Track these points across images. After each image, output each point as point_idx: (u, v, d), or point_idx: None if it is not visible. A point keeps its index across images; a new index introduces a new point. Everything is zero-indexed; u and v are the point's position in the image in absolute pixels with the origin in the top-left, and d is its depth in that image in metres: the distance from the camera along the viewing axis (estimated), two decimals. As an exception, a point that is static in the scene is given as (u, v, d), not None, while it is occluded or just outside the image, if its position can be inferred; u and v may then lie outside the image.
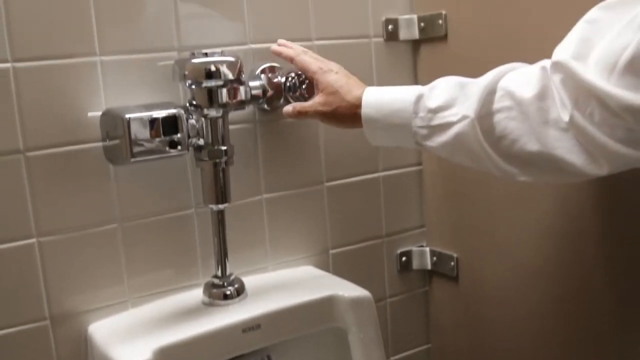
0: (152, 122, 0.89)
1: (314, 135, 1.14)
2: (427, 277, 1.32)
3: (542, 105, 0.77)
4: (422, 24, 1.19)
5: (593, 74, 0.70)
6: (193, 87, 0.93)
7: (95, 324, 0.97)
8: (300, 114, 0.98)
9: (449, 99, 0.85)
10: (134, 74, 0.97)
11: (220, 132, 0.95)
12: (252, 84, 1.00)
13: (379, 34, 1.19)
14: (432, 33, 1.18)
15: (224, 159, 0.96)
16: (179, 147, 0.91)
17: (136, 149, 0.88)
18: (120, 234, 0.98)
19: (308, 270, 1.16)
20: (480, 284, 1.21)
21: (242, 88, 0.95)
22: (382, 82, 1.13)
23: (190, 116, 0.93)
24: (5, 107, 0.89)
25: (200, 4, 1.01)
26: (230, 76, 0.93)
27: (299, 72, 1.02)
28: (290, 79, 1.02)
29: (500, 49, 1.05)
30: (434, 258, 1.28)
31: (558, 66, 0.74)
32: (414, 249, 1.30)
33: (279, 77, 1.03)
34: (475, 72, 0.87)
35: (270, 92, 1.02)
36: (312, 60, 0.99)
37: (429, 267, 1.30)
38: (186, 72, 0.92)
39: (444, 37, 1.16)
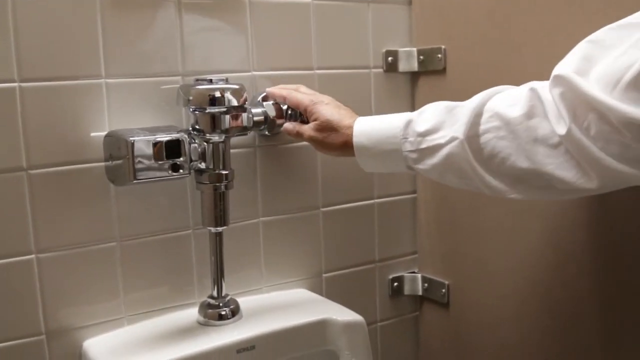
0: (156, 145, 0.91)
1: (311, 161, 1.16)
2: (418, 303, 1.34)
3: (530, 124, 0.78)
4: (421, 57, 1.22)
5: (595, 87, 0.69)
6: (197, 112, 0.95)
7: (90, 340, 0.98)
8: (297, 134, 1.01)
9: (437, 122, 0.87)
10: (138, 97, 0.99)
11: (221, 157, 0.97)
12: (254, 110, 1.02)
13: (378, 65, 1.22)
14: (430, 66, 1.21)
15: (224, 183, 0.98)
16: (181, 171, 0.93)
17: (139, 171, 0.90)
18: (119, 252, 1.00)
19: (302, 293, 1.17)
20: (470, 311, 1.23)
21: (244, 115, 0.98)
22: (380, 112, 1.12)
23: (193, 140, 0.95)
24: (10, 125, 0.91)
25: (205, 30, 1.04)
26: (234, 103, 0.95)
27: None
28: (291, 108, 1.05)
29: (495, 83, 1.07)
30: (425, 284, 1.30)
31: (559, 80, 0.74)
32: (406, 274, 1.31)
33: (281, 105, 1.05)
34: None
35: (272, 119, 1.04)
36: (303, 96, 1.02)
37: (420, 292, 1.32)
38: (190, 98, 0.95)
39: (443, 71, 1.19)
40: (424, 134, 0.88)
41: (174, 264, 1.05)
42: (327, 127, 0.97)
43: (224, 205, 0.99)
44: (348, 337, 1.03)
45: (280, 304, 1.10)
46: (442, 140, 0.86)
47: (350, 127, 0.95)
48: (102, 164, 0.97)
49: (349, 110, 1.01)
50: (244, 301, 1.06)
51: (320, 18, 1.14)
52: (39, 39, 0.91)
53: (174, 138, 0.92)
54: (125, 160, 0.90)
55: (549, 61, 0.97)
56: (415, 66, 1.23)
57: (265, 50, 1.09)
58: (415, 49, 1.23)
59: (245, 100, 0.97)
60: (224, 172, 0.98)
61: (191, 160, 0.95)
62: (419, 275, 1.31)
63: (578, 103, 0.72)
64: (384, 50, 1.22)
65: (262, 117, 1.03)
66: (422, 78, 1.24)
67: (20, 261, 0.93)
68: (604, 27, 0.74)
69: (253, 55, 1.08)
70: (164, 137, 0.92)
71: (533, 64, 1.03)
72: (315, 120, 0.99)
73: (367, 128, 0.95)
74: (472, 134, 0.83)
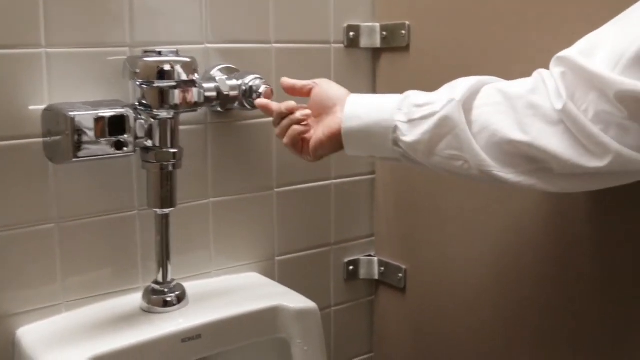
0: (98, 120, 0.85)
1: (266, 140, 1.11)
2: (374, 287, 1.31)
3: (533, 99, 0.75)
4: (384, 33, 1.18)
5: (598, 66, 0.69)
6: (144, 86, 0.89)
7: (24, 328, 0.92)
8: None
9: (436, 94, 0.83)
10: (82, 68, 0.92)
11: (169, 134, 0.92)
12: (206, 85, 0.96)
13: (339, 40, 1.17)
14: (394, 43, 1.16)
15: (172, 162, 0.92)
16: (125, 149, 0.87)
17: (79, 148, 0.84)
18: (57, 234, 0.94)
19: (253, 278, 1.13)
20: (427, 297, 1.21)
21: (195, 90, 0.92)
22: (340, 89, 1.10)
23: (139, 116, 0.90)
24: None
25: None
26: (184, 77, 0.89)
27: (258, 76, 0.99)
28: (247, 82, 0.98)
29: (462, 63, 1.05)
30: (382, 268, 1.27)
31: (561, 60, 0.73)
32: (362, 258, 1.28)
33: (235, 80, 0.99)
34: (435, 84, 0.86)
35: (224, 95, 0.98)
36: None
37: (376, 277, 1.29)
38: (137, 71, 0.88)
39: (406, 48, 1.15)
40: (420, 105, 0.83)
41: (117, 246, 1.00)
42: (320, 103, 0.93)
43: (171, 186, 0.93)
44: (300, 324, 0.99)
45: (229, 289, 1.06)
46: (437, 107, 0.81)
47: (342, 101, 0.90)
48: (40, 139, 0.90)
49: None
50: (191, 286, 1.01)
51: (280, -11, 1.09)
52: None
53: (119, 113, 0.86)
54: (65, 137, 0.84)
55: (520, 41, 0.97)
56: (377, 42, 1.19)
57: (219, 21, 1.04)
58: (378, 24, 1.18)
59: (195, 73, 0.91)
60: (172, 150, 0.92)
61: (137, 138, 0.89)
62: (376, 259, 1.28)
63: (578, 82, 0.70)
64: (345, 24, 1.17)
65: (214, 93, 0.97)
66: (384, 55, 1.20)
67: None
68: (605, 25, 0.73)
69: (207, 26, 1.02)
70: (107, 112, 0.85)
71: (506, 44, 0.99)
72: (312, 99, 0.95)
73: (362, 98, 0.90)
74: (467, 106, 0.80)
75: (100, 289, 0.99)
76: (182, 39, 1.00)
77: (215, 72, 1.02)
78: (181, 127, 0.96)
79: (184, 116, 0.97)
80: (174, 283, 0.98)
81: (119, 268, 1.00)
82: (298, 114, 0.92)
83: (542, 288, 1.02)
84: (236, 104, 1.00)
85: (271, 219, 1.15)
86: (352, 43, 1.18)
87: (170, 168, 0.92)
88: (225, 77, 1.00)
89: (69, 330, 0.91)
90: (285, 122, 0.93)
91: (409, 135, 0.84)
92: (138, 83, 0.89)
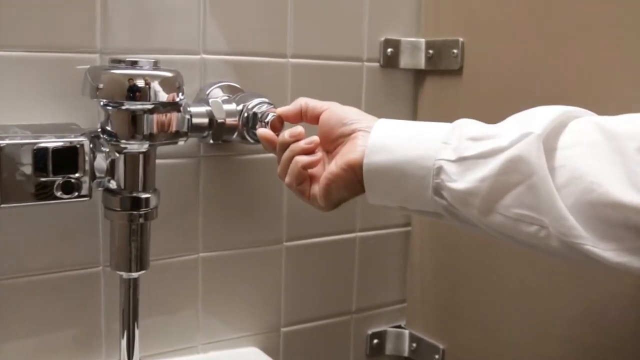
0: (38, 153, 0.61)
1: (274, 178, 0.87)
2: (402, 365, 1.09)
3: None
4: (430, 52, 0.95)
5: None
6: (109, 107, 0.66)
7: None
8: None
9: (500, 126, 0.60)
10: (28, 79, 0.71)
11: (141, 173, 0.68)
12: (194, 109, 0.73)
13: (374, 57, 0.95)
14: (443, 64, 0.94)
15: (142, 211, 0.69)
16: (77, 193, 0.63)
17: (9, 192, 0.61)
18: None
19: (252, 354, 0.90)
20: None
21: (177, 115, 0.68)
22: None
23: (101, 148, 0.66)
24: None
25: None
26: (163, 97, 0.66)
27: (265, 99, 0.75)
28: (251, 107, 0.75)
29: (531, 92, 0.84)
30: (414, 344, 1.04)
31: None
32: (389, 329, 1.06)
33: (234, 104, 0.76)
34: (495, 118, 0.62)
35: (219, 123, 0.74)
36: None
37: (406, 353, 1.06)
38: (101, 86, 0.65)
39: (458, 71, 0.93)
40: (477, 138, 0.59)
41: (73, 312, 0.78)
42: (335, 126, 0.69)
43: (142, 242, 0.70)
44: None
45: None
46: (503, 142, 0.57)
47: (367, 125, 0.67)
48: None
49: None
50: (169, 368, 0.78)
51: (301, -11, 0.87)
52: None
53: (68, 143, 0.63)
54: (-9, 173, 0.61)
55: (604, 64, 0.75)
56: (421, 62, 0.96)
57: (221, 25, 0.81)
58: (423, 40, 0.96)
59: (179, 92, 0.68)
60: (143, 195, 0.69)
61: (94, 177, 0.65)
62: (407, 332, 1.06)
63: None
64: (382, 38, 0.95)
65: (205, 120, 0.74)
66: (429, 79, 0.97)
67: None
68: None
69: (204, 31, 0.80)
70: (52, 142, 0.62)
71: (583, 67, 0.78)
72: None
73: (393, 126, 0.66)
74: (550, 145, 0.56)
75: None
76: (172, 46, 0.78)
77: (214, 91, 0.79)
78: (165, 161, 0.76)
79: (167, 147, 0.74)
80: (143, 367, 0.74)
81: (76, 337, 0.78)
82: (303, 143, 0.68)
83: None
84: (235, 136, 0.76)
85: (278, 280, 0.93)
86: (390, 62, 0.96)
87: (141, 220, 0.69)
88: (223, 97, 0.76)
89: None
90: (287, 153, 0.69)
91: (459, 180, 0.59)
92: (102, 103, 0.66)
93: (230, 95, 0.78)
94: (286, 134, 0.69)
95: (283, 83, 0.86)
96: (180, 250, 0.83)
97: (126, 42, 0.75)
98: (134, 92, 0.65)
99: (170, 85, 0.66)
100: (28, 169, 0.61)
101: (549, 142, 0.56)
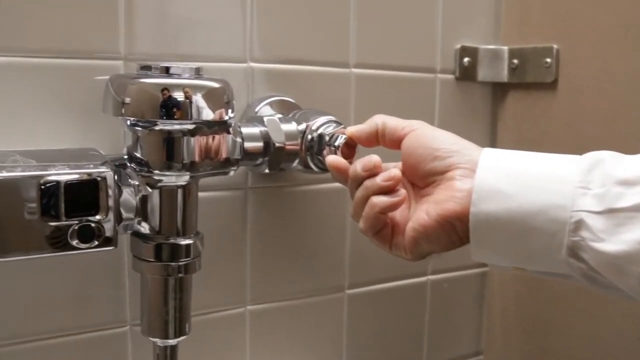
0: (48, 190, 0.47)
1: (335, 215, 0.77)
2: None
3: None
4: (515, 61, 0.83)
5: None
6: (138, 128, 0.52)
7: None
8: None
9: None
10: (37, 92, 0.58)
11: (179, 214, 0.54)
12: (246, 130, 0.59)
13: (449, 68, 0.83)
14: (531, 76, 0.81)
15: (183, 261, 0.54)
16: (98, 241, 0.49)
17: (12, 239, 0.47)
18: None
19: None
20: None
21: (227, 138, 0.54)
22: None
23: (128, 180, 0.52)
24: None
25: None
26: (209, 115, 0.52)
27: (333, 118, 0.61)
28: (316, 127, 0.60)
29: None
30: (494, 406, 0.89)
31: None
32: (465, 387, 0.94)
33: (295, 123, 0.61)
34: (600, 141, 0.54)
35: (277, 148, 0.60)
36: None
37: (483, 416, 0.91)
38: (127, 100, 0.51)
39: (552, 84, 0.79)
40: (630, 181, 0.46)
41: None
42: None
43: (182, 301, 0.56)
44: None
45: None
46: None
47: (468, 158, 0.53)
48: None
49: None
50: None
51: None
52: None
53: (84, 176, 0.48)
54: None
55: None
56: (504, 74, 0.84)
57: (273, 30, 0.69)
58: (505, 48, 0.84)
59: (230, 109, 0.54)
60: (183, 241, 0.54)
61: (121, 219, 0.51)
62: None
63: None
64: (457, 46, 0.83)
65: (259, 144, 0.59)
66: (513, 94, 0.84)
67: None
68: None
69: (252, 35, 0.68)
70: (63, 175, 0.48)
71: None
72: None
73: (506, 159, 0.52)
74: None
75: None
76: (214, 52, 0.65)
77: (263, 109, 0.65)
78: (203, 194, 0.62)
79: (212, 179, 0.62)
80: None
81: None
82: (379, 179, 0.53)
83: None
84: (296, 163, 0.61)
85: (339, 334, 0.81)
86: (467, 73, 0.83)
87: (181, 273, 0.54)
88: (278, 116, 0.62)
89: None
90: (360, 192, 0.54)
91: (609, 241, 0.46)
92: (128, 122, 0.52)
93: (286, 113, 0.64)
94: (358, 166, 0.54)
95: (345, 97, 0.74)
96: (224, 303, 0.72)
97: (156, 49, 0.62)
98: (170, 108, 0.51)
99: (218, 98, 0.52)
100: (33, 211, 0.47)
101: None
